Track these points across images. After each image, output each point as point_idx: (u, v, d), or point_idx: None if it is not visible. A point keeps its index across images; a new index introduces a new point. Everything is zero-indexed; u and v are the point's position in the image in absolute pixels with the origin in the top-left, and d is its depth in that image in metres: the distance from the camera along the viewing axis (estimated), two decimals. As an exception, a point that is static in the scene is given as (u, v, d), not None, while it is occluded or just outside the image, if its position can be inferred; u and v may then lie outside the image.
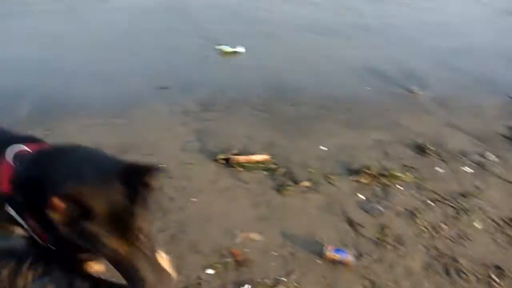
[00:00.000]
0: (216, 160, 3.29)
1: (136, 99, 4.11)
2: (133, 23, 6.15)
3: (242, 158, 3.30)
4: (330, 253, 2.49)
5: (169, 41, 5.54)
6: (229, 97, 4.29)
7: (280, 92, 4.41)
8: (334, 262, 2.48)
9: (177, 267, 2.23)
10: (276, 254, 2.53)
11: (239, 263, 2.44)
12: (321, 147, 3.55)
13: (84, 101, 4.01)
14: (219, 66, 4.98)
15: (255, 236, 2.66)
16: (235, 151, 3.37)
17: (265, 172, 3.22)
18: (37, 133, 3.16)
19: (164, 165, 3.19)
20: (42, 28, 5.75)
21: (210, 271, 2.39)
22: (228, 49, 5.28)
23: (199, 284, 2.29)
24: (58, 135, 3.50)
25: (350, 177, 3.20)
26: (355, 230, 2.74)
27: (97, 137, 3.43)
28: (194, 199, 2.92)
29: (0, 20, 6.09)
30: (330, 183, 3.16)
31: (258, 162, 3.31)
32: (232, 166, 3.24)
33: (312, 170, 3.27)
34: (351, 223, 2.80)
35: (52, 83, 4.32)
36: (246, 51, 5.30)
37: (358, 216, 2.84)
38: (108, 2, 7.23)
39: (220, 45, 5.30)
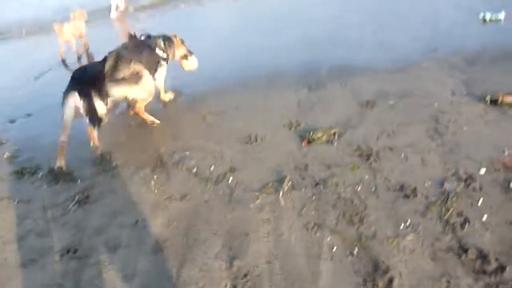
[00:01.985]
0: (484, 101, 3.97)
1: (411, 59, 5.12)
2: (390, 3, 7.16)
3: (509, 99, 3.89)
4: None
5: (435, 13, 6.30)
6: (492, 54, 4.85)
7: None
8: None
9: (456, 168, 3.14)
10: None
11: (507, 167, 3.16)
12: None
13: (371, 63, 5.21)
14: (480, 30, 5.52)
15: (520, 151, 3.31)
16: (503, 93, 3.96)
17: (530, 109, 3.75)
18: (335, 84, 4.48)
19: (436, 104, 4.06)
20: (324, 13, 7.28)
21: (483, 171, 3.19)
22: (489, 16, 5.73)
23: (471, 177, 3.11)
24: (351, 86, 4.75)
25: None
26: None
27: (383, 86, 4.56)
28: (466, 127, 3.71)
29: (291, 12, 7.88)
30: None
31: (524, 101, 3.85)
32: (500, 105, 3.87)
33: None
34: None
35: (341, 51, 5.63)
36: (504, 18, 5.67)
37: None
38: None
39: (483, 12, 5.78)
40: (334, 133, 4.01)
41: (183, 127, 4.71)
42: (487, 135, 3.59)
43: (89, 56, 8.08)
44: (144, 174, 4.02)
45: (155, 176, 3.95)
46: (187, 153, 4.21)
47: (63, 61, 7.96)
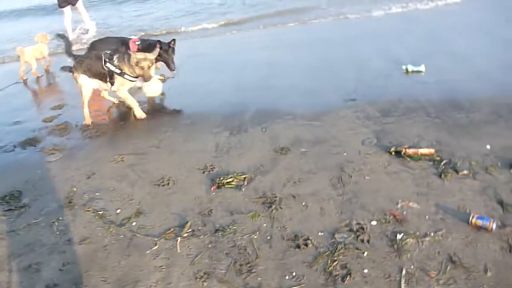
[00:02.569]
0: (389, 152, 4.16)
1: (329, 107, 5.29)
2: (328, 50, 7.45)
3: (411, 151, 4.12)
4: (474, 219, 3.13)
5: (359, 63, 6.58)
6: (407, 105, 5.09)
7: (454, 101, 5.01)
8: (477, 227, 3.10)
9: (350, 219, 3.25)
10: (428, 218, 3.30)
11: (397, 220, 3.31)
12: (487, 147, 4.06)
13: (290, 109, 5.36)
14: (401, 81, 5.79)
15: (413, 204, 3.49)
16: (406, 146, 4.16)
17: (429, 163, 3.96)
18: (257, 129, 4.59)
19: (345, 153, 4.21)
20: (259, 57, 7.48)
21: (374, 223, 3.31)
22: (411, 68, 6.04)
23: (362, 228, 3.22)
24: (271, 132, 4.88)
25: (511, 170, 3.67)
26: (505, 209, 3.29)
27: (300, 133, 4.73)
28: (368, 177, 3.85)
29: (229, 54, 8.06)
30: (489, 173, 3.74)
31: (424, 154, 4.07)
32: (402, 157, 4.06)
33: (474, 163, 3.85)
34: (501, 203, 3.35)
35: (268, 97, 5.78)
36: (426, 69, 5.99)
37: (511, 199, 3.34)
38: (311, 34, 8.71)
39: (405, 65, 6.09)
40: (244, 178, 4.07)
41: (101, 165, 4.66)
42: (385, 186, 3.74)
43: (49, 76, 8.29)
44: (50, 215, 3.93)
45: (60, 217, 3.87)
46: (98, 194, 4.17)
47: (23, 81, 8.03)
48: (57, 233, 3.70)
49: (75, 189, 4.28)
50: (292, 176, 4.04)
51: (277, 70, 6.82)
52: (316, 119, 5.05)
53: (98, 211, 3.90)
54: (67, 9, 10.64)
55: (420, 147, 4.19)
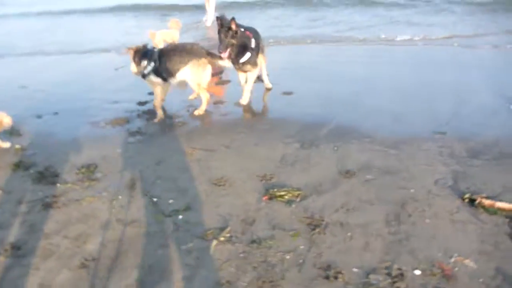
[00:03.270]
0: (462, 199, 3.77)
1: (412, 136, 4.94)
2: (427, 73, 6.94)
3: (487, 202, 3.69)
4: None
5: (460, 93, 6.03)
6: (502, 150, 4.56)
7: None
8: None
9: (393, 261, 3.01)
10: (482, 281, 2.93)
11: (444, 275, 2.98)
12: None
13: (370, 130, 5.10)
14: (505, 122, 5.20)
15: (469, 262, 3.13)
16: (484, 195, 3.72)
17: (505, 219, 3.50)
18: (328, 146, 4.45)
19: (412, 190, 3.90)
20: (354, 73, 7.22)
21: (417, 272, 3.03)
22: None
23: (402, 275, 2.95)
24: (342, 151, 4.69)
25: None
26: None
27: (372, 158, 4.50)
28: (428, 220, 3.53)
29: (324, 65, 7.90)
30: None
31: (502, 209, 3.62)
32: (475, 207, 3.65)
33: (560, 232, 3.32)
34: None
35: (351, 114, 5.56)
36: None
37: None
38: (412, 54, 8.18)
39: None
40: (298, 195, 3.97)
41: (172, 154, 4.88)
42: (444, 235, 3.39)
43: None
44: (112, 192, 4.21)
45: (119, 197, 4.13)
46: (159, 181, 4.37)
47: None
48: (113, 210, 3.95)
49: (141, 173, 4.52)
50: (348, 202, 3.85)
51: (368, 87, 6.53)
52: (394, 147, 4.75)
53: (153, 198, 4.08)
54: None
55: (501, 200, 3.72)
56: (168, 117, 5.92)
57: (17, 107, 6.54)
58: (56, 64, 9.01)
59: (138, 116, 6.02)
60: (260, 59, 6.26)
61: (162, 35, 8.60)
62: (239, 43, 5.60)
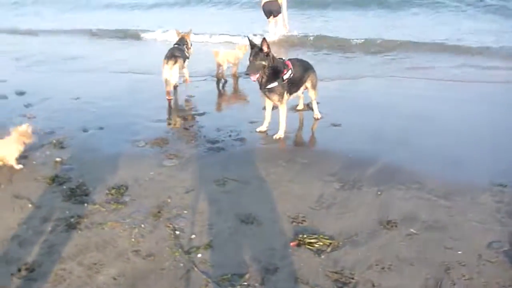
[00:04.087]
0: (519, 268, 3.24)
1: (467, 186, 4.43)
2: (494, 115, 6.28)
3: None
4: None
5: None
6: None
7: None
8: None
9: None
10: None
11: None
12: None
13: (420, 175, 4.66)
14: None
15: None
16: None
17: None
18: (372, 190, 4.08)
19: (460, 252, 3.43)
20: (410, 107, 6.71)
21: None
22: None
23: None
24: (386, 197, 4.28)
25: None
26: None
27: (416, 208, 4.07)
28: (474, 291, 3.05)
29: (379, 97, 7.43)
30: None
31: None
32: (534, 281, 3.12)
33: None
34: None
35: (402, 154, 5.12)
36: None
37: None
38: (479, 92, 7.48)
39: None
40: (329, 244, 3.62)
41: (203, 182, 4.69)
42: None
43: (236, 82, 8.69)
44: (137, 219, 4.07)
45: (142, 225, 3.97)
46: (185, 211, 4.17)
47: (218, 81, 8.63)
48: (132, 239, 3.80)
49: (169, 200, 4.37)
50: (384, 259, 3.45)
51: (425, 124, 6.02)
52: (445, 197, 4.27)
53: (175, 230, 3.89)
54: (270, 18, 11.80)
55: None
56: (208, 141, 5.73)
57: (67, 119, 6.69)
58: (111, 79, 9.16)
59: (179, 137, 5.90)
60: (311, 94, 6.19)
61: (225, 55, 8.51)
62: (271, 66, 5.33)
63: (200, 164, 5.15)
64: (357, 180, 4.64)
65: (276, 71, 5.40)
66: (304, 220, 3.98)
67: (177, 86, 7.78)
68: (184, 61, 7.62)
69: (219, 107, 7.48)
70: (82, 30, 14.92)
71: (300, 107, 6.70)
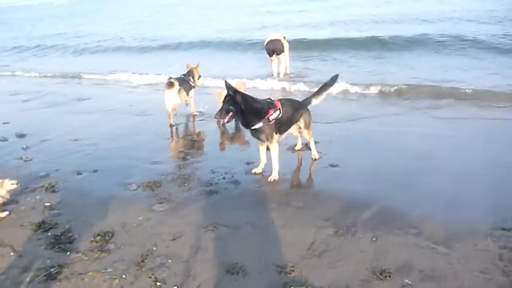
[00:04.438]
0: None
1: (468, 231, 4.21)
2: (498, 155, 6.03)
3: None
4: None
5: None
6: None
7: None
8: None
9: None
10: None
11: None
12: None
13: (418, 219, 4.46)
14: None
15: None
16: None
17: None
18: (367, 235, 3.88)
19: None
20: (411, 146, 6.51)
21: None
22: None
23: None
24: (381, 243, 4.06)
25: None
26: None
27: (412, 256, 3.89)
28: None
29: (379, 136, 7.27)
30: None
31: None
32: None
33: None
34: None
35: (400, 196, 4.92)
36: None
37: None
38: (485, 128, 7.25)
39: None
40: (317, 298, 3.39)
41: (192, 228, 4.53)
42: None
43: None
44: (118, 269, 3.90)
45: (123, 276, 3.81)
46: (170, 260, 4.01)
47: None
48: (113, 288, 3.62)
49: (154, 248, 4.21)
50: (374, 314, 3.20)
51: (424, 164, 5.80)
52: (444, 244, 4.04)
53: (157, 281, 3.72)
54: (274, 57, 11.95)
55: None
56: (201, 183, 5.60)
57: (63, 162, 6.64)
58: (114, 119, 9.17)
59: (172, 180, 5.77)
60: (304, 133, 6.09)
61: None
62: (248, 109, 5.28)
63: (191, 209, 4.99)
64: (352, 225, 4.43)
65: (258, 112, 5.33)
66: (292, 270, 3.77)
67: (176, 112, 8.38)
68: (188, 91, 8.41)
69: (216, 148, 7.34)
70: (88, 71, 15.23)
71: (298, 147, 6.56)
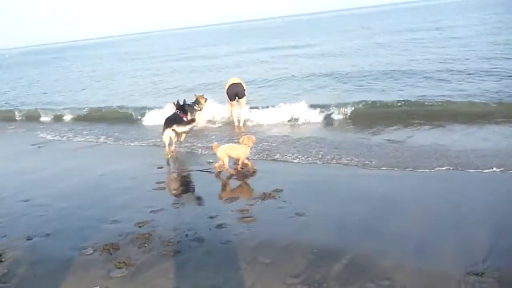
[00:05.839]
0: None
1: (439, 278, 4.12)
2: (464, 199, 6.06)
3: None
4: None
5: (505, 223, 5.18)
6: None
7: None
8: None
9: None
10: None
11: None
12: None
13: (389, 269, 4.34)
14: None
15: None
16: None
17: None
18: None
19: None
20: (375, 190, 6.49)
21: None
22: None
23: None
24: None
25: None
26: None
27: None
28: None
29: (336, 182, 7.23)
30: None
31: None
32: None
33: None
34: None
35: (369, 245, 4.83)
36: None
37: None
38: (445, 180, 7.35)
39: None
40: None
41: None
42: None
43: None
44: None
45: None
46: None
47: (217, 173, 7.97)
48: None
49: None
50: None
51: (391, 208, 5.78)
52: (418, 290, 3.91)
53: None
54: (234, 102, 11.99)
55: None
56: (163, 243, 5.30)
57: (11, 226, 6.19)
58: (69, 175, 8.78)
59: (132, 241, 5.44)
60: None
61: (226, 149, 7.92)
62: None
63: (153, 273, 4.68)
64: (322, 281, 4.25)
65: None
66: None
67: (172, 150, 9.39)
68: (192, 112, 10.75)
69: (177, 200, 7.04)
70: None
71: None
